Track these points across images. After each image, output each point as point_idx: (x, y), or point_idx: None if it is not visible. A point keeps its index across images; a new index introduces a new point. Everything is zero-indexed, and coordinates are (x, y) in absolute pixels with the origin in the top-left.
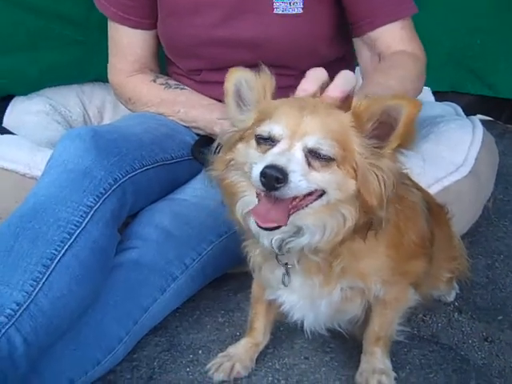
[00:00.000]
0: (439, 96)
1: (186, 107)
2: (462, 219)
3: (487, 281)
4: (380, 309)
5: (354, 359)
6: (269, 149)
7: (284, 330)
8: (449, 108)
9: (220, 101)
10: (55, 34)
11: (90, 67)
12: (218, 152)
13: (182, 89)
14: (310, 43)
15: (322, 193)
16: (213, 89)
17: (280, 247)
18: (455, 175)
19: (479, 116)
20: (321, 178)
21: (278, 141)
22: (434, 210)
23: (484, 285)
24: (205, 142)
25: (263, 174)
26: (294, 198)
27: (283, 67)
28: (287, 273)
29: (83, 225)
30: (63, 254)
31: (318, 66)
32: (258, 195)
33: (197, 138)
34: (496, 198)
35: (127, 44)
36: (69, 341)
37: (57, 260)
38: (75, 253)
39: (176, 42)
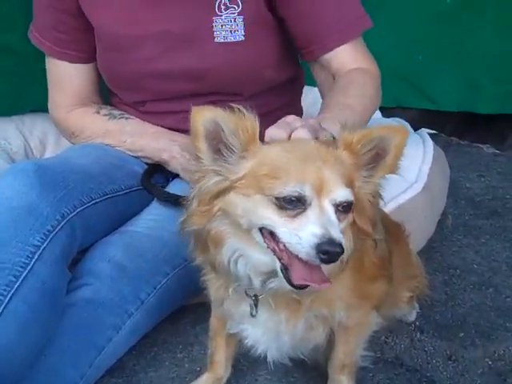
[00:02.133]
0: (385, 112)
1: (133, 137)
2: (418, 236)
3: (446, 297)
4: (344, 336)
5: None
6: (299, 213)
7: (245, 362)
8: (397, 124)
9: (170, 129)
10: None
11: (28, 97)
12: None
13: (126, 118)
14: (254, 70)
15: None
16: (159, 118)
17: (263, 286)
18: (409, 192)
19: (423, 130)
20: (342, 226)
21: (308, 202)
22: (391, 228)
23: (443, 302)
24: (154, 170)
25: (325, 251)
26: None
27: (227, 94)
28: (255, 304)
29: (30, 266)
30: (10, 299)
31: (264, 90)
32: (276, 253)
33: (146, 166)
34: (447, 211)
35: (66, 78)
36: None
37: (3, 306)
38: (23, 296)
39: (116, 76)
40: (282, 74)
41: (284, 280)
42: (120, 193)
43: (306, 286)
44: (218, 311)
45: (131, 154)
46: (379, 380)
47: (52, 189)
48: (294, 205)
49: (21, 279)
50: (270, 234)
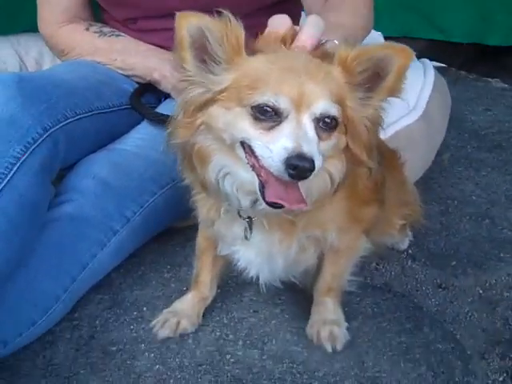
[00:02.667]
0: (391, 42)
1: (123, 55)
2: (415, 164)
3: (441, 227)
4: (333, 257)
5: (306, 311)
6: (273, 126)
7: (232, 283)
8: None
9: (161, 47)
10: None
11: (23, 16)
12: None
13: (117, 36)
14: None
15: None
16: (151, 36)
17: (253, 206)
18: (406, 119)
19: (432, 63)
20: (326, 146)
21: (285, 115)
22: (386, 154)
23: (437, 231)
24: (145, 90)
25: (293, 166)
26: None
27: (221, 13)
28: (250, 227)
29: (9, 177)
30: None
31: (261, 8)
32: (255, 168)
33: (136, 85)
34: (449, 143)
35: None
36: None
37: None
38: (0, 207)
39: None
40: None
41: (260, 198)
42: (107, 110)
43: (281, 206)
44: (208, 232)
45: (122, 72)
46: (366, 304)
47: (34, 101)
48: (268, 116)
49: None
50: (250, 149)
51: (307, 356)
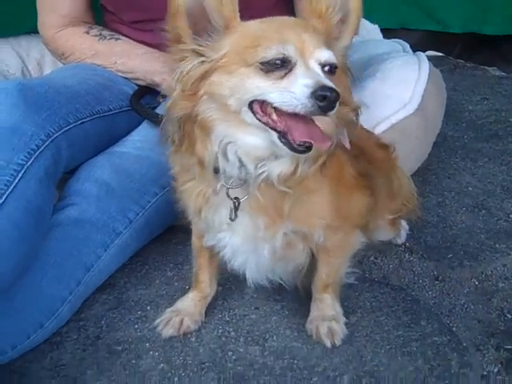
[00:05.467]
0: (388, 33)
1: (123, 58)
2: (411, 157)
3: (438, 219)
4: (325, 257)
5: (305, 307)
6: (285, 73)
7: (233, 281)
8: (396, 45)
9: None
10: None
11: (25, 18)
12: None
13: (116, 39)
14: None
15: None
16: (155, 35)
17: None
18: (402, 113)
19: (430, 52)
20: None
21: (293, 62)
22: (375, 148)
23: (435, 223)
24: (145, 91)
25: (322, 96)
26: None
27: None
28: (235, 208)
29: (14, 184)
30: None
31: (254, 17)
32: (268, 125)
33: (136, 87)
34: (446, 134)
35: None
36: (6, 305)
37: None
38: (7, 214)
39: None
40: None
41: (284, 148)
42: (108, 113)
43: (308, 150)
44: (198, 225)
45: (122, 75)
46: (364, 299)
47: (36, 108)
48: (279, 66)
49: (4, 197)
50: (260, 109)
51: (307, 351)
